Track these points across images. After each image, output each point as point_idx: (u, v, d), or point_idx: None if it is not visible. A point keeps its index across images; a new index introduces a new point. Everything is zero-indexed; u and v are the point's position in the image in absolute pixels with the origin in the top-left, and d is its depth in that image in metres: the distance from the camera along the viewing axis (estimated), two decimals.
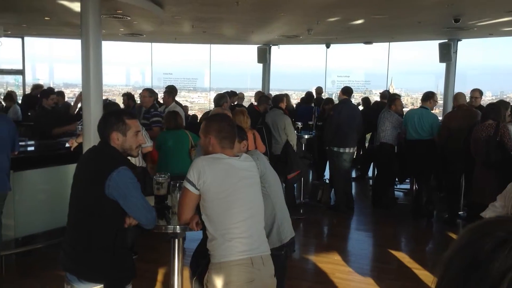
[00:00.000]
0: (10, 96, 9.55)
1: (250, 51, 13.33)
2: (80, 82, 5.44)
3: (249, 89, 15.42)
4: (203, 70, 15.25)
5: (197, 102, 16.63)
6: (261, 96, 8.61)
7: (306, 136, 7.97)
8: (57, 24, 9.20)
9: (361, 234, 6.63)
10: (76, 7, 6.60)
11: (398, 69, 13.80)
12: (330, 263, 5.18)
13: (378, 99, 10.10)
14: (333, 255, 5.43)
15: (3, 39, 11.48)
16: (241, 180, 2.65)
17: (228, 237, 2.56)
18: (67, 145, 5.75)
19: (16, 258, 5.06)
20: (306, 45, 13.57)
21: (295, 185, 7.09)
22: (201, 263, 2.89)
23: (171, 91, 7.84)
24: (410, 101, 15.85)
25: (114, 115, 2.70)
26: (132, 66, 16.77)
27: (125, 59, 15.55)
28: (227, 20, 8.87)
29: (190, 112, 12.14)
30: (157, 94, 8.53)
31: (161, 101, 8.39)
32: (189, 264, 3.65)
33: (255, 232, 2.64)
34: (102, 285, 2.56)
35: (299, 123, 8.07)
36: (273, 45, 12.98)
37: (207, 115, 6.94)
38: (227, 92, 8.50)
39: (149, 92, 7.25)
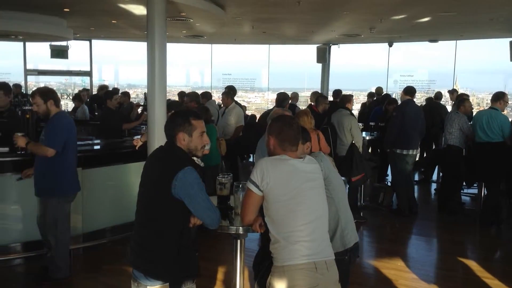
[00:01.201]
0: (78, 96, 9.99)
1: (309, 51, 13.23)
2: (142, 83, 5.60)
3: (306, 89, 15.33)
4: (261, 70, 15.32)
5: (254, 102, 16.70)
6: (319, 96, 8.51)
7: (367, 137, 7.79)
8: (123, 27, 9.55)
9: (425, 239, 6.37)
10: (142, 10, 6.83)
11: (464, 68, 13.18)
12: (393, 269, 5.02)
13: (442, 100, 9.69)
14: (396, 261, 5.25)
15: (72, 42, 12.09)
16: (305, 182, 2.61)
17: (291, 240, 2.52)
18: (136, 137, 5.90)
19: (83, 252, 5.26)
20: (367, 44, 13.28)
21: (358, 188, 6.94)
22: (263, 265, 2.86)
23: (229, 91, 7.90)
24: (476, 101, 15.11)
25: (180, 115, 2.73)
26: (192, 67, 17.12)
27: (185, 60, 15.92)
28: (287, 20, 8.85)
29: (248, 112, 12.21)
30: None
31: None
32: (252, 265, 3.64)
33: (319, 236, 2.59)
34: (167, 284, 2.60)
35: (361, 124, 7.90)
36: (333, 44, 12.82)
37: (267, 115, 6.96)
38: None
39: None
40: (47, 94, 4.26)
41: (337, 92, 9.35)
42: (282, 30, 10.38)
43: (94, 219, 5.39)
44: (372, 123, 8.26)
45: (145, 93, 11.32)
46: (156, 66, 5.29)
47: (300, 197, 2.56)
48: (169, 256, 2.58)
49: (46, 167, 4.25)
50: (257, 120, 9.71)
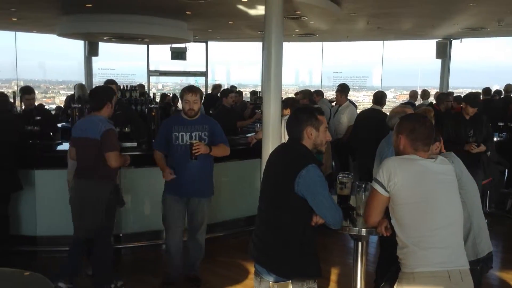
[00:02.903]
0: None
1: (426, 46, 12.54)
2: (251, 82, 5.68)
3: (419, 87, 14.57)
4: (373, 68, 14.86)
5: (362, 101, 16.26)
6: (440, 94, 8.01)
7: (495, 139, 7.16)
8: (239, 28, 9.83)
9: None
10: (259, 10, 6.96)
11: None
12: None
13: None
14: None
15: (190, 44, 12.74)
16: (438, 184, 2.44)
17: (422, 245, 2.37)
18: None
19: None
20: (493, 38, 12.24)
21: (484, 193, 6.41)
22: (390, 270, 2.74)
23: (343, 89, 7.75)
24: None
25: (305, 111, 2.71)
26: (301, 65, 17.11)
27: (293, 58, 15.96)
28: (405, 14, 8.46)
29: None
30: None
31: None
32: (375, 269, 3.52)
33: (453, 242, 2.40)
34: (289, 281, 2.60)
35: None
36: (454, 38, 12.00)
37: (364, 114, 6.70)
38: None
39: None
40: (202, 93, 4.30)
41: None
42: (398, 25, 9.95)
43: (216, 213, 5.58)
44: (500, 124, 7.58)
45: (252, 91, 11.59)
46: (272, 65, 5.34)
47: (432, 200, 2.40)
48: (291, 253, 2.57)
49: (207, 166, 4.23)
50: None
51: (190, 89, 4.13)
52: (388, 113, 4.26)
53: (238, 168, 6.04)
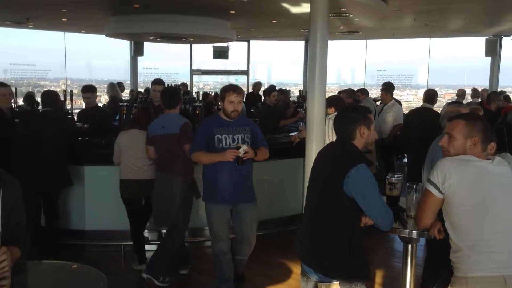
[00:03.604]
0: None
1: (473, 43, 12.12)
2: (291, 81, 5.62)
3: (465, 85, 14.10)
4: (418, 66, 14.50)
5: (405, 100, 15.89)
6: (491, 93, 7.71)
7: None
8: (281, 26, 9.80)
9: None
10: (303, 8, 6.91)
11: None
12: None
13: None
14: None
15: (231, 43, 12.82)
16: (496, 186, 2.33)
17: (477, 249, 2.27)
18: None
19: None
20: None
21: None
22: (441, 274, 2.65)
23: (388, 88, 7.61)
24: None
25: (358, 110, 2.66)
26: (343, 63, 16.87)
27: (335, 56, 15.74)
28: (455, 11, 8.20)
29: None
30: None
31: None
32: (422, 272, 3.42)
33: (510, 247, 2.29)
34: (337, 282, 2.56)
35: None
36: (505, 36, 11.54)
37: (413, 112, 6.51)
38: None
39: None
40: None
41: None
42: (447, 22, 9.66)
43: (261, 211, 5.56)
44: None
45: (300, 90, 11.53)
46: (317, 63, 5.28)
47: (489, 203, 2.30)
48: (339, 254, 2.53)
49: (249, 170, 3.98)
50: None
51: (235, 89, 3.85)
52: (439, 112, 4.13)
53: (280, 167, 6.02)
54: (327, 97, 5.42)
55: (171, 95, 4.49)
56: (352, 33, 11.06)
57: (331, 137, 5.08)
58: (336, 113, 5.17)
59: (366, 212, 2.52)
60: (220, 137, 3.82)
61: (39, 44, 14.55)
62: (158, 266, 4.36)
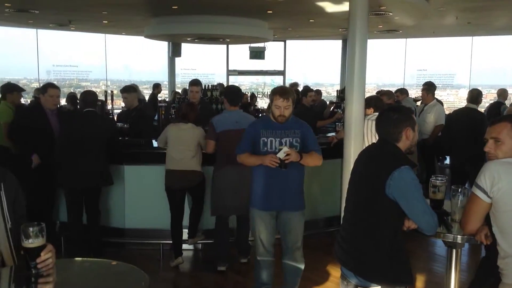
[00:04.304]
0: None
1: None
2: (326, 81, 5.54)
3: (508, 85, 13.58)
4: (460, 65, 14.07)
5: (446, 100, 15.44)
6: None
7: None
8: (319, 25, 9.72)
9: None
10: (341, 7, 6.83)
11: None
12: None
13: None
14: None
15: (268, 43, 12.80)
16: None
17: None
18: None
19: None
20: None
21: None
22: (488, 281, 2.55)
23: (429, 87, 7.41)
24: None
25: (402, 111, 2.59)
26: (381, 63, 16.55)
27: (373, 55, 15.43)
28: (499, 8, 7.91)
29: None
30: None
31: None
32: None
33: None
34: (378, 287, 2.50)
35: None
36: None
37: (459, 113, 6.31)
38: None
39: None
40: (294, 94, 3.80)
41: None
42: (490, 20, 9.34)
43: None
44: None
45: (337, 90, 11.40)
46: (356, 63, 5.20)
47: None
48: (381, 258, 2.47)
49: (298, 176, 3.76)
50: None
51: (282, 93, 3.61)
52: (483, 112, 3.98)
53: (317, 168, 5.88)
54: (367, 97, 5.33)
55: (236, 93, 4.82)
56: (391, 31, 10.84)
57: (370, 138, 5.00)
58: (374, 113, 5.10)
59: (409, 215, 2.45)
60: (266, 140, 3.66)
61: (80, 46, 14.94)
62: (224, 252, 4.80)
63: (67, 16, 9.36)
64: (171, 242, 4.97)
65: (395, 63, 14.81)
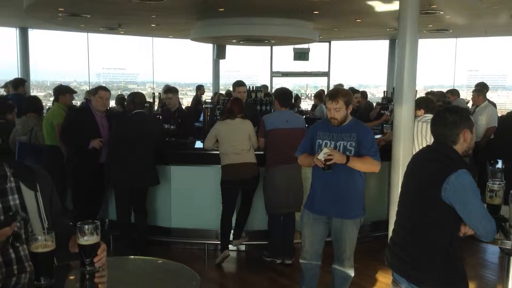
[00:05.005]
0: (319, 95, 10.42)
1: None
2: (372, 83, 5.41)
3: None
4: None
5: (497, 101, 14.80)
6: None
7: None
8: (366, 25, 9.56)
9: None
10: (390, 7, 6.68)
11: None
12: None
13: None
14: None
15: (312, 44, 12.70)
16: None
17: None
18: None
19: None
20: None
21: None
22: None
23: (481, 89, 7.16)
24: None
25: (457, 112, 2.48)
26: (429, 63, 16.08)
27: (421, 55, 14.99)
28: None
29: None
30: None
31: None
32: None
33: None
34: None
35: None
36: None
37: None
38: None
39: None
40: (349, 96, 3.65)
41: None
42: None
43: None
44: None
45: (384, 91, 11.17)
46: (406, 63, 5.06)
47: None
48: (437, 265, 2.37)
49: (353, 181, 3.58)
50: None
51: (331, 96, 3.55)
52: None
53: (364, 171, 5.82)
54: (417, 98, 5.18)
55: (286, 94, 5.05)
56: (441, 31, 10.53)
57: (420, 140, 4.86)
58: (425, 115, 4.95)
59: (466, 221, 2.35)
60: (321, 142, 3.58)
61: (128, 49, 15.37)
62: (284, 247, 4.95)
63: (117, 20, 9.62)
64: (216, 242, 5.02)
65: (444, 63, 14.38)
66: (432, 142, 2.59)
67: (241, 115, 4.97)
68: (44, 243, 1.81)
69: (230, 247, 5.16)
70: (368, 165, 3.51)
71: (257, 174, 4.95)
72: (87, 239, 1.86)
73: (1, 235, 1.66)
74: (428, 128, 4.89)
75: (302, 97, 12.18)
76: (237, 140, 4.85)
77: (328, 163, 3.38)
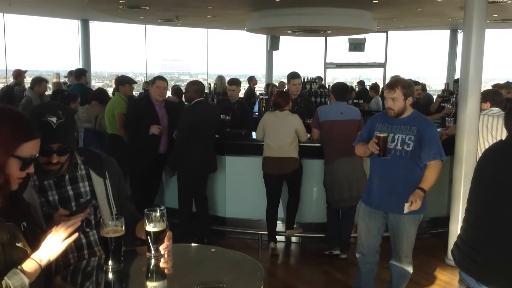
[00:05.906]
0: (376, 87, 10.18)
1: None
2: (428, 75, 5.21)
3: None
4: None
5: None
6: None
7: None
8: (426, 15, 9.22)
9: None
10: None
11: None
12: None
13: None
14: None
15: (368, 35, 12.39)
16: None
17: None
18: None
19: None
20: None
21: None
22: None
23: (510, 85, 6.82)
24: None
25: None
26: (493, 54, 15.32)
27: (486, 46, 14.31)
28: None
29: None
30: None
31: None
32: None
33: None
34: None
35: None
36: None
37: None
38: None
39: None
40: (409, 87, 3.49)
41: None
42: None
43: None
44: None
45: (445, 83, 10.77)
46: (472, 54, 4.84)
47: None
48: (509, 266, 2.25)
49: (412, 176, 3.42)
50: None
51: (389, 85, 3.49)
52: None
53: None
54: (483, 91, 4.95)
55: (342, 89, 5.03)
56: (507, 21, 9.99)
57: (486, 135, 4.66)
58: (491, 109, 4.72)
59: None
60: (378, 134, 3.43)
61: (184, 40, 15.62)
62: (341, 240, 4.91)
63: (175, 12, 9.78)
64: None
65: (510, 55, 13.66)
66: (505, 137, 2.45)
67: (289, 109, 4.96)
68: (114, 229, 1.86)
69: (283, 238, 5.16)
70: (436, 172, 3.41)
71: (298, 168, 4.95)
72: (154, 226, 1.89)
73: (76, 222, 1.73)
74: (494, 122, 4.67)
75: (356, 90, 11.93)
76: (282, 132, 4.84)
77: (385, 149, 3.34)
